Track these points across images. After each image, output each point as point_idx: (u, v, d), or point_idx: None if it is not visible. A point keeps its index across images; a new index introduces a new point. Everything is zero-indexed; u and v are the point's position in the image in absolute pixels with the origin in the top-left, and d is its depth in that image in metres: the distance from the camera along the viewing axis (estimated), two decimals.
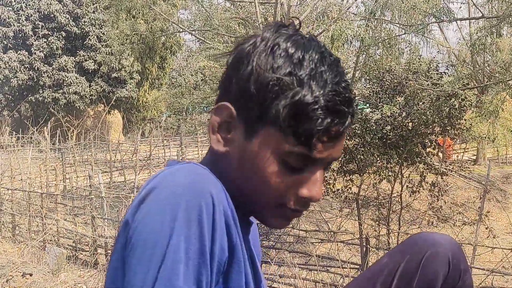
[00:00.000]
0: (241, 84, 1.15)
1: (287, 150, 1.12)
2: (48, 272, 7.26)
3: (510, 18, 7.58)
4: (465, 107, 9.17)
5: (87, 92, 32.32)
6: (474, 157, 24.25)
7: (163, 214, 1.02)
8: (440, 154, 11.71)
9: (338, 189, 9.87)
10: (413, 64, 9.82)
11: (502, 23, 7.93)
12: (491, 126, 12.03)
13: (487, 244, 9.28)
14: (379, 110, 9.34)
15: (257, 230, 1.45)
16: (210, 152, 1.24)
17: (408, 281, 1.54)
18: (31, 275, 6.58)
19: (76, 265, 9.37)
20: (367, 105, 9.94)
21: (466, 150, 24.84)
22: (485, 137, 12.90)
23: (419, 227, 11.17)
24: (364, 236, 9.14)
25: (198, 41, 21.77)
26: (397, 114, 8.98)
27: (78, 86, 31.87)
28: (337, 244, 9.19)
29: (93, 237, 10.27)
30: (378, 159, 9.18)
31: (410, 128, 8.95)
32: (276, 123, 1.11)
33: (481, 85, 9.15)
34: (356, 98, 10.23)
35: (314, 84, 1.10)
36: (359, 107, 9.91)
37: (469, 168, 13.13)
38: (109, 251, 10.21)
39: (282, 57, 1.12)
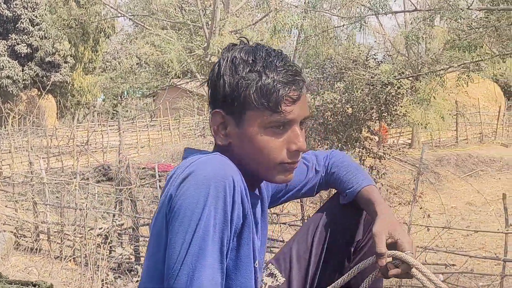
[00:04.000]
0: (220, 92, 1.63)
1: (267, 121, 1.59)
2: None
3: (441, 11, 8.05)
4: (400, 95, 9.62)
5: (20, 76, 31.51)
6: (409, 141, 24.94)
7: (199, 192, 1.47)
8: (377, 139, 12.21)
9: None
10: (352, 52, 10.20)
11: (434, 16, 8.41)
12: (423, 112, 12.58)
13: (421, 224, 9.77)
14: (320, 96, 9.68)
15: (266, 205, 1.98)
16: (217, 146, 1.70)
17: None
18: None
19: (19, 251, 9.34)
20: (308, 91, 10.25)
21: (401, 134, 25.52)
22: (419, 123, 13.50)
23: None
24: (306, 217, 9.49)
25: (134, 24, 21.61)
26: (337, 100, 9.34)
27: (11, 70, 31.02)
28: (280, 226, 9.46)
29: (35, 223, 10.23)
30: (319, 143, 9.52)
31: (349, 114, 9.33)
32: (252, 106, 1.59)
33: (413, 75, 9.62)
34: None
35: (267, 70, 1.59)
36: None
37: (404, 151, 13.72)
38: (52, 237, 10.18)
39: (240, 63, 1.61)
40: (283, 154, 1.64)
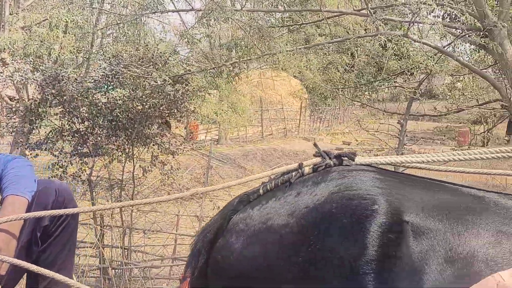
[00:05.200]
0: None
1: None
2: None
3: (210, 12, 8.49)
4: (189, 92, 9.92)
5: None
6: (217, 137, 25.65)
7: None
8: (183, 135, 12.45)
9: (74, 173, 9.95)
10: (138, 50, 10.26)
11: (208, 16, 8.84)
12: (217, 108, 13.10)
13: (212, 216, 10.21)
14: (110, 93, 9.67)
15: None
16: None
17: (30, 204, 2.34)
18: None
19: None
20: (100, 88, 10.19)
21: (208, 131, 26.19)
22: (208, 119, 13.97)
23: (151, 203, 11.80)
24: (98, 215, 9.49)
25: None
26: (126, 97, 9.39)
27: None
28: None
29: None
30: (109, 141, 9.51)
31: (138, 110, 9.42)
32: None
33: (189, 72, 9.99)
34: (89, 82, 10.40)
35: None
36: (90, 90, 10.04)
37: (204, 147, 14.16)
38: None
39: None
40: None
